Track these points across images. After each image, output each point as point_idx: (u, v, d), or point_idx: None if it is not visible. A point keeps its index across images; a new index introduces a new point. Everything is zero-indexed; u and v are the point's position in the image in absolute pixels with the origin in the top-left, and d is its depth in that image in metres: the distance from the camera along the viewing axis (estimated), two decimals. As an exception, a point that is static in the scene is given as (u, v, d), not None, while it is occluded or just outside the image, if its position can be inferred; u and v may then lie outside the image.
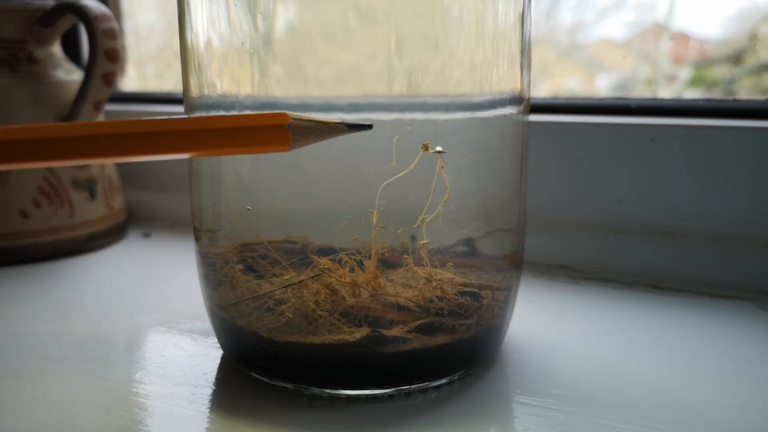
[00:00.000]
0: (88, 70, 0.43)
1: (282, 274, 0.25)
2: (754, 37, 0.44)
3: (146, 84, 0.68)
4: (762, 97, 0.39)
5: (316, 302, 0.23)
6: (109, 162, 0.37)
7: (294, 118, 0.20)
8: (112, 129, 0.19)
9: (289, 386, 0.25)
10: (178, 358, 0.28)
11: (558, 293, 0.36)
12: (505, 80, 0.24)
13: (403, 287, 0.25)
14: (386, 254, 0.25)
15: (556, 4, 0.48)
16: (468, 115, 0.24)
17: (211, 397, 0.25)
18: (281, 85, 0.23)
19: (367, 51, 0.23)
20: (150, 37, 0.68)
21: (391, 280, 0.25)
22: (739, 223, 0.36)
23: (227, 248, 0.26)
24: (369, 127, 0.21)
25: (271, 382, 0.25)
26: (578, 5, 0.48)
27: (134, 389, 0.25)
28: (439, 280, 0.24)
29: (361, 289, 0.24)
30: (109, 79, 0.44)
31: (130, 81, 0.65)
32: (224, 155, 0.23)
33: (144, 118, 0.20)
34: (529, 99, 0.26)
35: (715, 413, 0.23)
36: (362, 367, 0.24)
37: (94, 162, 0.22)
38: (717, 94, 0.48)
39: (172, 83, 0.67)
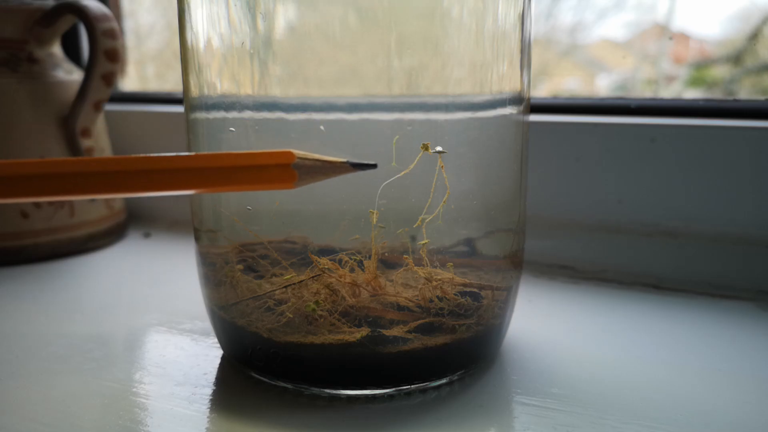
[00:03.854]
0: (88, 70, 0.43)
1: (282, 274, 0.25)
2: (754, 37, 0.44)
3: (146, 84, 0.68)
4: (762, 97, 0.39)
5: (316, 302, 0.23)
6: (113, 197, 0.37)
7: (300, 158, 0.20)
8: (117, 166, 0.19)
9: (289, 386, 0.25)
10: (178, 358, 0.28)
11: (558, 293, 0.36)
12: (505, 80, 0.24)
13: (403, 287, 0.25)
14: (386, 254, 0.25)
15: (556, 4, 0.48)
16: (468, 115, 0.24)
17: (211, 397, 0.25)
18: (281, 85, 0.23)
19: (367, 51, 0.23)
20: (150, 37, 0.68)
21: (391, 280, 0.25)
22: (739, 223, 0.36)
23: (227, 248, 0.26)
24: (374, 166, 0.21)
25: (271, 382, 0.25)
26: (578, 5, 0.48)
27: (134, 389, 0.25)
28: (439, 280, 0.24)
29: (361, 289, 0.24)
30: (109, 79, 0.44)
31: (130, 81, 0.65)
32: (229, 191, 0.23)
33: (149, 155, 0.20)
34: (529, 99, 0.26)
35: (714, 413, 0.23)
36: (362, 367, 0.24)
37: (99, 197, 0.22)
38: (717, 94, 0.48)
39: (172, 83, 0.67)
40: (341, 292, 0.24)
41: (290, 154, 0.20)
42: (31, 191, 0.19)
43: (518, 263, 0.27)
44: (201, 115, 0.25)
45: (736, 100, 0.38)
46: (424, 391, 0.25)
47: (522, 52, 0.25)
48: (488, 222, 0.26)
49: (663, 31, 0.46)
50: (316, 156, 0.20)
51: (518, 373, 0.26)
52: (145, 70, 0.68)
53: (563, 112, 0.42)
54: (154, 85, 0.68)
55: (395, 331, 0.23)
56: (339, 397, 0.24)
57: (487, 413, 0.23)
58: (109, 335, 0.31)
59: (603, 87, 0.53)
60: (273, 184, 0.20)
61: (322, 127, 0.23)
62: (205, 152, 0.24)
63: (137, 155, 0.20)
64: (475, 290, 0.25)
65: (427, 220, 0.24)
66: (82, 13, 0.42)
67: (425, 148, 0.23)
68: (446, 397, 0.24)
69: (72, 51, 0.58)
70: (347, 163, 0.21)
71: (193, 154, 0.20)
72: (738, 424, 0.23)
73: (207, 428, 0.23)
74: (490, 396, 0.24)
